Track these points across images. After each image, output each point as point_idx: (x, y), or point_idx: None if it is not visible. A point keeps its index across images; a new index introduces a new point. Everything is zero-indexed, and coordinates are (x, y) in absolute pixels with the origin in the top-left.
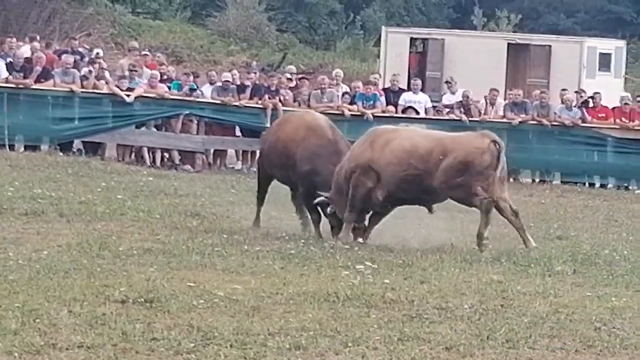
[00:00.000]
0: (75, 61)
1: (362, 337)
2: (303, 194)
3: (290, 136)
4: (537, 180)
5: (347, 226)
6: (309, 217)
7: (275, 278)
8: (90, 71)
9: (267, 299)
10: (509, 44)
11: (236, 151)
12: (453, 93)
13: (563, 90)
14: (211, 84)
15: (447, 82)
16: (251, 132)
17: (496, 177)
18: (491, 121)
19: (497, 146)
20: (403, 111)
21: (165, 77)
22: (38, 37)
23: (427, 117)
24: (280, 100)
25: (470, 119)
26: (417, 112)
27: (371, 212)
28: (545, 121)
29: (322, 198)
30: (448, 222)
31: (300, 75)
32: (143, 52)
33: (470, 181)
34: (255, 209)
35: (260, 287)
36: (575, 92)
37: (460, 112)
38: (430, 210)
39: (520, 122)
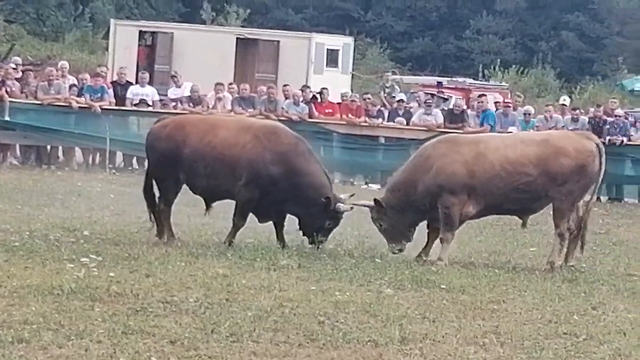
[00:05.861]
0: None
1: (86, 331)
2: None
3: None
4: None
5: (446, 246)
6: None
7: None
8: None
9: None
10: (237, 38)
11: None
12: (179, 87)
13: (285, 85)
14: None
15: (172, 76)
16: None
17: None
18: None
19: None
20: (135, 105)
21: None
22: None
23: (155, 110)
24: (6, 92)
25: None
26: (148, 105)
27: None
28: (273, 116)
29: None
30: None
31: (29, 68)
32: None
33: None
34: None
35: None
36: (300, 89)
37: (189, 105)
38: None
39: (247, 116)
